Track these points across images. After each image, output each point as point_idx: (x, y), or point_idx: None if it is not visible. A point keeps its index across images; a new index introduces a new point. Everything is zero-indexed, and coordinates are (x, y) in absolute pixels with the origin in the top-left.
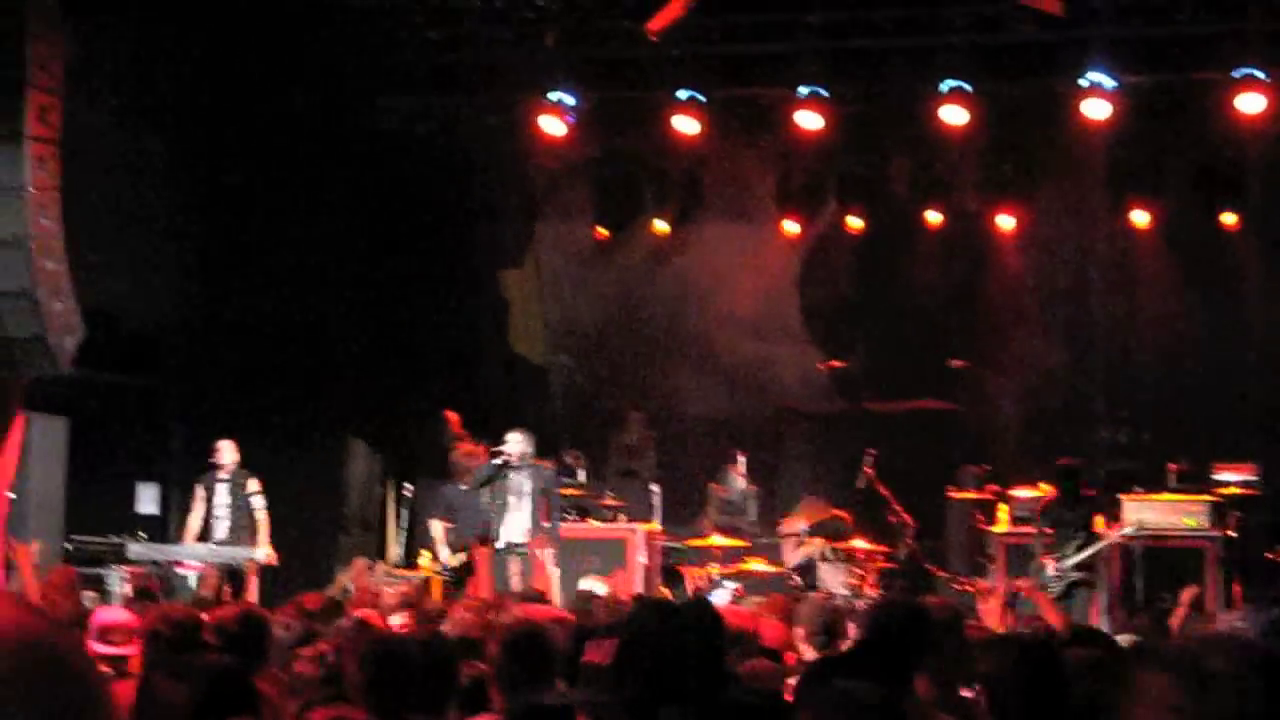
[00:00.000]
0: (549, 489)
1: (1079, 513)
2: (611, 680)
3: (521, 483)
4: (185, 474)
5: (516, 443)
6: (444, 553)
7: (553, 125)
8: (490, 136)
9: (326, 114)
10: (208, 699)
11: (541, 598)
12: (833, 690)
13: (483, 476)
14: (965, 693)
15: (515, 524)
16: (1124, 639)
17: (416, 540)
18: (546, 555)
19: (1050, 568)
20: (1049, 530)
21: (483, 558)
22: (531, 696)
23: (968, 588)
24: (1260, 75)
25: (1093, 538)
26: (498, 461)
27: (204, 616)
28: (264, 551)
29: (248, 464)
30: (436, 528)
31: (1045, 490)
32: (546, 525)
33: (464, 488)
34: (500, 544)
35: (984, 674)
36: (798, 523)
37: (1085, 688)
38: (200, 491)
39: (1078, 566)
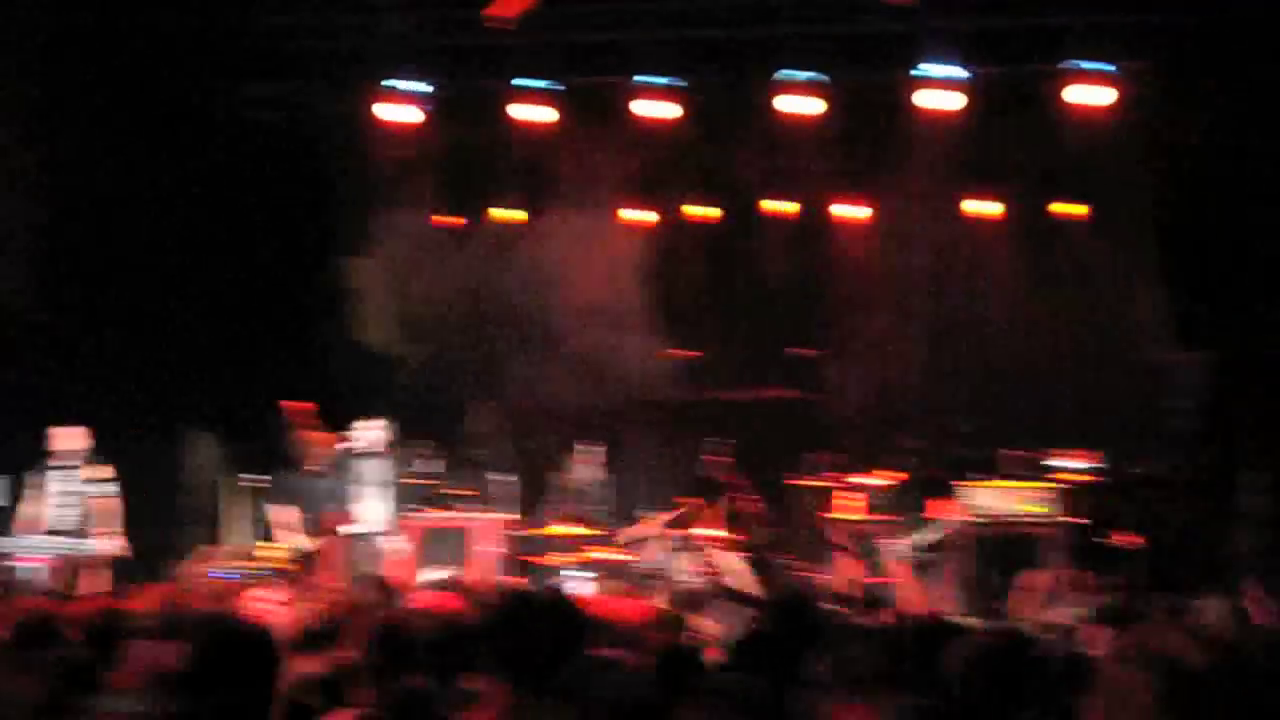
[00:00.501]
0: (399, 479)
1: (919, 498)
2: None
3: (375, 471)
4: (25, 464)
5: (369, 430)
6: (295, 539)
7: (401, 113)
8: (337, 124)
9: (170, 101)
10: (56, 693)
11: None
12: (718, 683)
13: (335, 463)
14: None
15: (368, 513)
16: (970, 623)
17: (264, 529)
18: (405, 545)
19: (894, 550)
20: (891, 516)
21: (333, 545)
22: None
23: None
24: (1105, 68)
25: (933, 523)
26: (345, 446)
27: (58, 610)
28: (114, 543)
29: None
30: (283, 514)
31: (890, 477)
32: (404, 515)
33: (309, 474)
34: (351, 531)
35: (867, 661)
36: (635, 533)
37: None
38: (33, 481)
39: (921, 551)
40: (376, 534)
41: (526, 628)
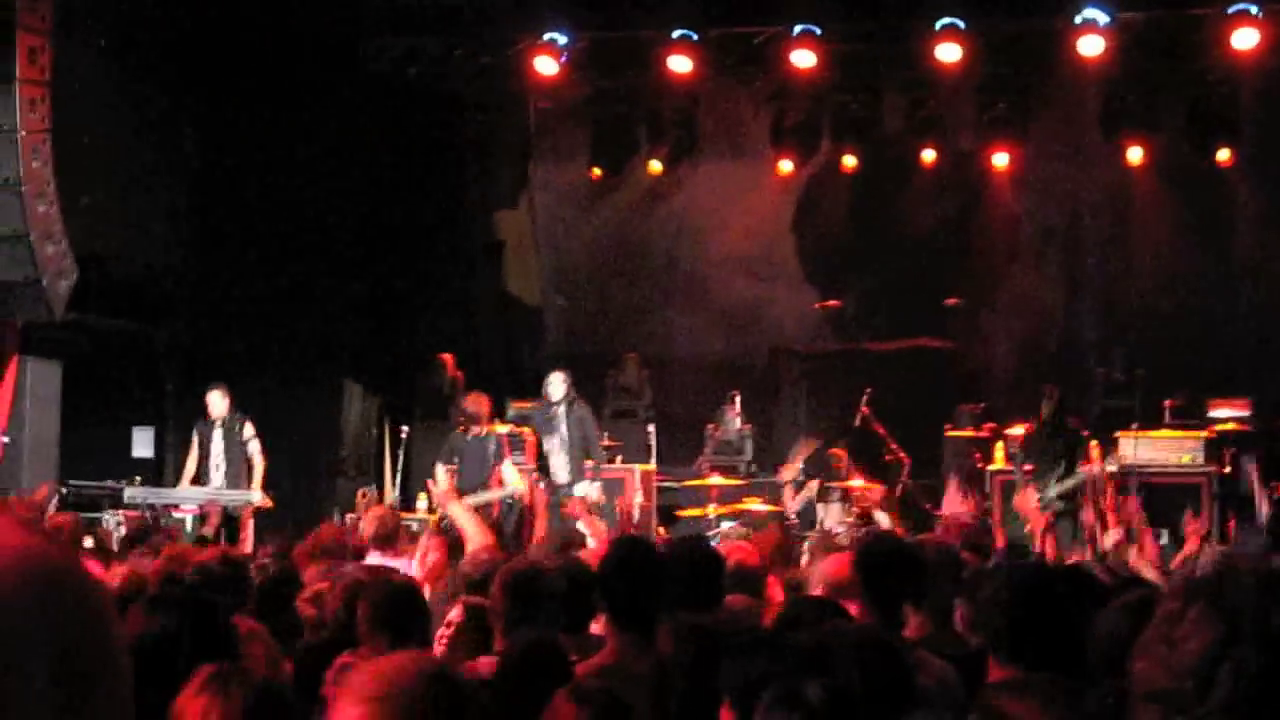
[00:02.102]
0: (588, 430)
1: (1060, 444)
2: None
3: (561, 426)
4: (180, 417)
5: (558, 384)
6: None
7: (547, 65)
8: (484, 77)
9: (318, 57)
10: (182, 634)
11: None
12: (824, 628)
13: (535, 423)
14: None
15: (559, 467)
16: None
17: (413, 483)
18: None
19: (1033, 499)
20: (1030, 467)
21: (539, 499)
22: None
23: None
24: (1253, 10)
25: (1073, 469)
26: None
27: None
28: (259, 495)
29: (241, 408)
30: (441, 473)
31: (1036, 427)
32: (588, 465)
33: (470, 435)
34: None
35: (980, 603)
36: (794, 468)
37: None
38: (195, 438)
39: (1060, 497)
40: (566, 488)
41: (642, 574)
